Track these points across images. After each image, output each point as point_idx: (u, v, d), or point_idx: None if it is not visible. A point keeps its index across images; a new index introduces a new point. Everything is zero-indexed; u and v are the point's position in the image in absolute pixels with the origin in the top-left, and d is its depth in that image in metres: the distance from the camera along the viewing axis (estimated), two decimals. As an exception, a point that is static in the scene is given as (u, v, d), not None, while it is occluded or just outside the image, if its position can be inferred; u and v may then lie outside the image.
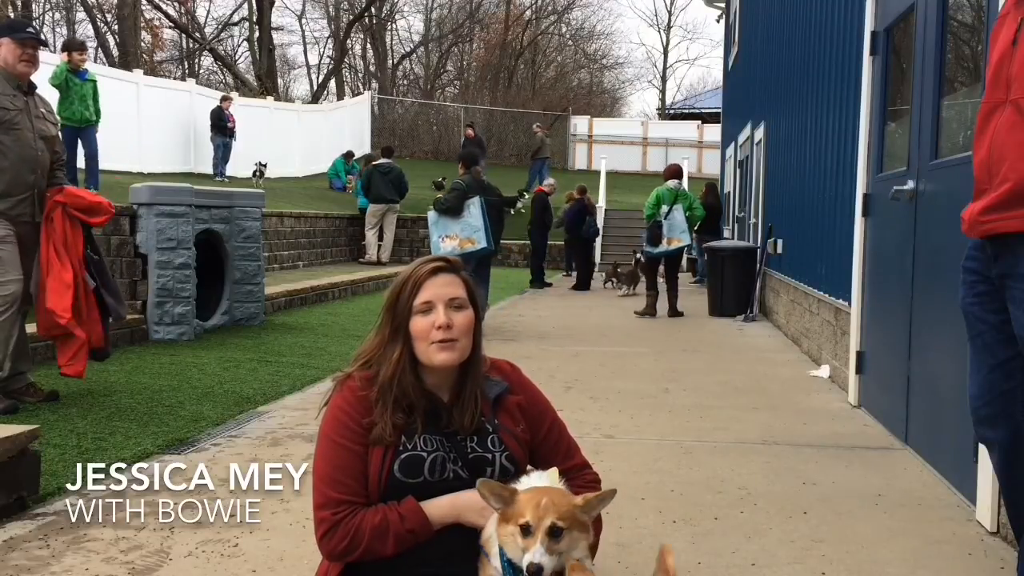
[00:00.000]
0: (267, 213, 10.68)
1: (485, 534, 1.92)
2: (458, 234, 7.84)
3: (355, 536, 1.94)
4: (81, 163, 10.81)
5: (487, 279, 8.44)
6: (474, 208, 7.83)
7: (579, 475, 2.22)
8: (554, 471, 2.02)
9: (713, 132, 26.25)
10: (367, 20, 39.06)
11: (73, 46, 11.29)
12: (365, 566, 1.99)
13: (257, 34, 33.41)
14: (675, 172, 10.83)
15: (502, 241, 18.09)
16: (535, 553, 1.74)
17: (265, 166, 18.28)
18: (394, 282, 2.12)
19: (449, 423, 2.07)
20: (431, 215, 7.98)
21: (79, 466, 3.55)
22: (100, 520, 3.06)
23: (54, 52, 12.78)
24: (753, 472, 3.79)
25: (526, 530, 1.77)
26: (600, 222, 18.51)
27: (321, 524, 1.97)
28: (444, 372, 2.07)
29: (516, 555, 1.81)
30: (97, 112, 10.84)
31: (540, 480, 1.93)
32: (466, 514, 1.98)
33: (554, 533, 1.75)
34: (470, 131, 23.40)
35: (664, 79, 46.17)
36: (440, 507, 1.98)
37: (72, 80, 10.51)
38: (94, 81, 10.93)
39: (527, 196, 16.02)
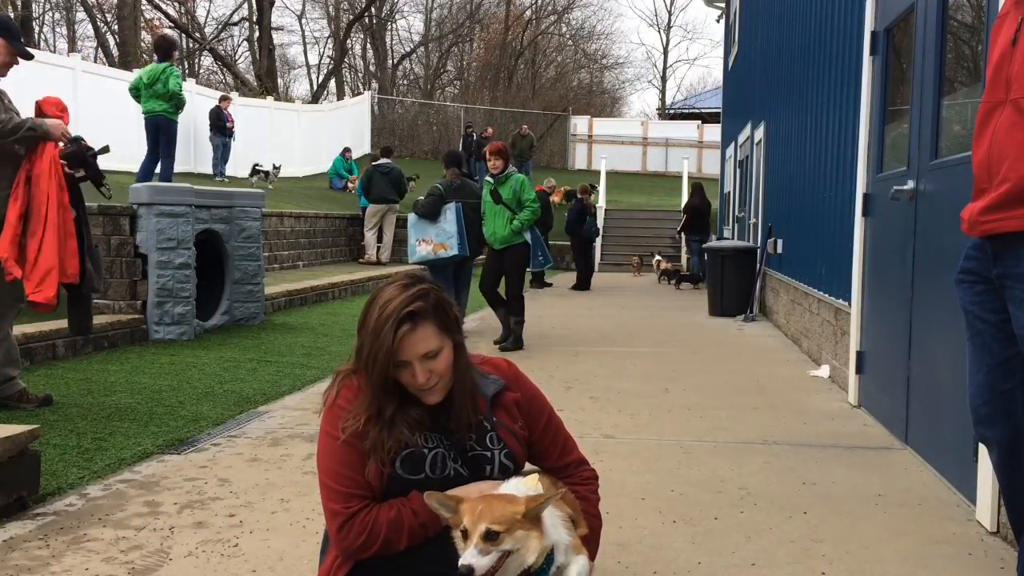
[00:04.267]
0: (267, 213, 10.69)
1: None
2: (432, 239, 7.91)
3: (372, 530, 1.94)
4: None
5: (467, 283, 8.42)
6: (450, 214, 7.88)
7: (576, 471, 2.24)
8: (533, 477, 2.05)
9: (713, 132, 26.27)
10: (367, 20, 39.07)
11: (176, 45, 11.23)
12: (368, 566, 1.99)
13: (257, 34, 33.45)
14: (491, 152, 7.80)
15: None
16: (467, 555, 1.84)
17: (276, 167, 18.47)
18: (364, 325, 2.02)
19: (447, 421, 2.08)
20: (411, 217, 8.08)
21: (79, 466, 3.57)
22: (100, 520, 3.07)
23: (55, 52, 12.72)
24: (753, 472, 3.80)
25: (465, 534, 1.88)
26: (600, 222, 18.54)
27: (335, 518, 1.97)
28: None
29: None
30: None
31: (519, 486, 1.97)
32: None
33: (489, 536, 1.85)
34: (490, 129, 24.45)
35: (664, 79, 46.31)
36: None
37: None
38: None
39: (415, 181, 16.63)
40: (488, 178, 7.70)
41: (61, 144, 4.57)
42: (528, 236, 7.58)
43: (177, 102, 10.28)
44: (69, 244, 4.53)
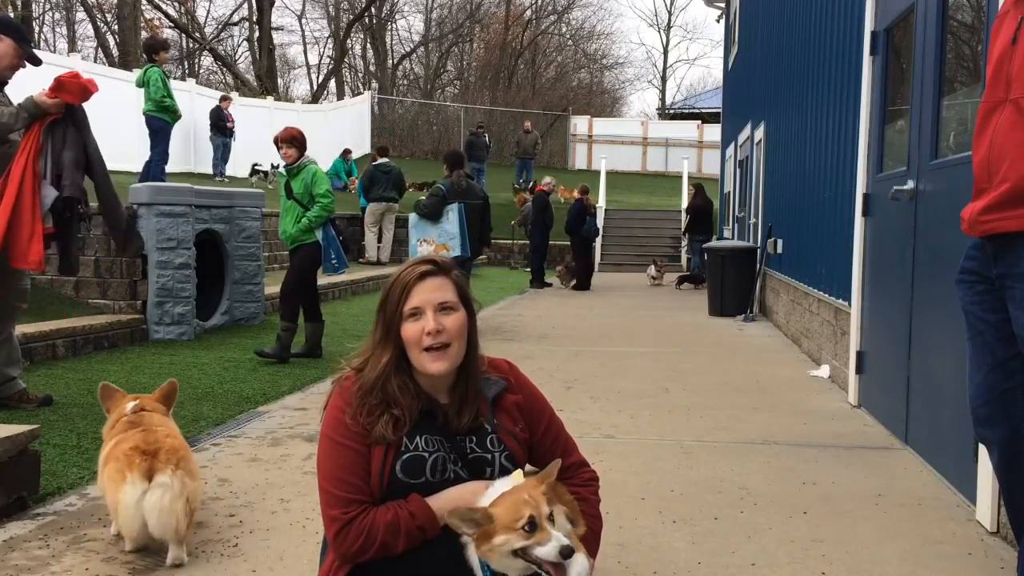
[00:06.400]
0: (267, 213, 10.69)
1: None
2: (435, 239, 7.96)
3: (369, 534, 1.94)
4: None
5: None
6: (452, 214, 7.94)
7: (576, 473, 2.23)
8: (518, 472, 2.03)
9: (713, 132, 26.26)
10: (367, 20, 39.07)
11: (162, 45, 11.45)
12: (368, 568, 1.98)
13: (257, 34, 33.45)
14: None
15: (501, 241, 18.37)
16: (559, 537, 1.80)
17: (275, 167, 18.45)
18: (385, 285, 2.11)
19: (447, 423, 2.07)
20: (412, 217, 8.14)
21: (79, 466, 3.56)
22: (100, 520, 3.06)
23: (55, 52, 12.78)
24: (753, 472, 3.79)
25: (532, 525, 1.81)
26: (600, 222, 18.54)
27: (333, 523, 1.96)
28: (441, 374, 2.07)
29: (505, 564, 1.84)
30: None
31: (505, 485, 1.95)
32: None
33: (552, 517, 1.84)
34: (487, 135, 24.74)
35: (664, 79, 46.26)
36: (444, 503, 1.97)
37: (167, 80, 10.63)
38: None
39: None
40: (282, 170, 6.95)
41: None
42: (319, 235, 6.57)
43: (158, 104, 10.42)
44: (35, 228, 4.30)
